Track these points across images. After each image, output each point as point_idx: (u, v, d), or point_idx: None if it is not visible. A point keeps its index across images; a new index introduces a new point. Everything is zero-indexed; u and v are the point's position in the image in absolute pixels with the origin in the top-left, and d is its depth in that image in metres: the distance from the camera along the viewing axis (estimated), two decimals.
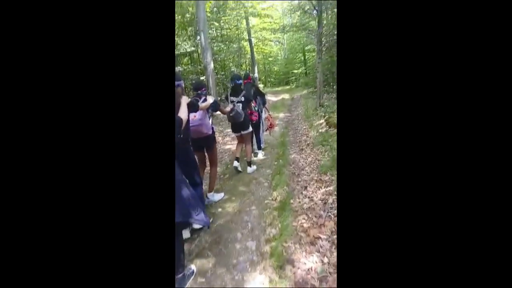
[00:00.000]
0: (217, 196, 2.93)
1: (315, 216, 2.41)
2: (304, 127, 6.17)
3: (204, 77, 8.75)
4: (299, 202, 2.74)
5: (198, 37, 8.89)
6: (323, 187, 2.95)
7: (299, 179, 3.31)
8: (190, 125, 2.28)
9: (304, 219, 2.42)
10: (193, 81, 9.88)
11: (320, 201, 2.64)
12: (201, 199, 2.18)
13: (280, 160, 4.08)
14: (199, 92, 2.60)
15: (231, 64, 14.75)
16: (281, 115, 8.54)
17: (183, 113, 1.77)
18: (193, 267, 1.88)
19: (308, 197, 2.80)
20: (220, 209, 2.77)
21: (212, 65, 9.87)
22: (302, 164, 3.81)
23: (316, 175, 3.30)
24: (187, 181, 1.84)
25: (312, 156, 4.08)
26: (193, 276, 1.82)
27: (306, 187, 3.05)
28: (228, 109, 3.11)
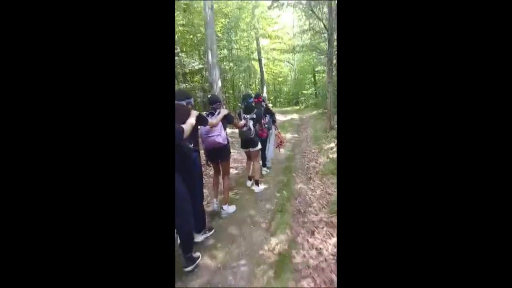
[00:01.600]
0: (231, 208, 2.93)
1: (324, 282, 1.73)
2: (313, 150, 5.54)
3: (210, 94, 8.39)
4: (304, 255, 2.07)
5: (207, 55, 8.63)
6: (335, 234, 2.27)
7: (305, 220, 2.65)
8: (207, 135, 2.52)
9: (308, 284, 1.74)
10: (203, 97, 9.78)
11: (332, 256, 1.97)
12: (197, 211, 2.19)
13: (284, 192, 3.44)
14: (213, 106, 2.69)
15: (240, 83, 14.53)
16: (289, 135, 7.95)
17: (187, 124, 1.87)
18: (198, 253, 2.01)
19: (316, 249, 2.14)
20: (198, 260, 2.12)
21: (219, 83, 9.58)
22: (310, 199, 3.15)
23: (326, 216, 2.63)
24: (187, 193, 1.88)
25: (321, 188, 3.43)
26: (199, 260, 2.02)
27: (313, 232, 2.37)
28: (241, 123, 3.18)
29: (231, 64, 11.94)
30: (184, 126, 1.83)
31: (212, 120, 2.40)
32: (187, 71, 10.34)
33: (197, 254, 2.10)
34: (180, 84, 10.09)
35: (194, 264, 1.97)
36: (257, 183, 3.47)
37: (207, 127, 2.42)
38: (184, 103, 2.15)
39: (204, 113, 2.52)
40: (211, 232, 2.47)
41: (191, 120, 1.95)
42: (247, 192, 3.53)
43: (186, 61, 9.93)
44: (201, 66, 9.97)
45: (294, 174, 4.19)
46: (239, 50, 13.34)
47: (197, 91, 10.52)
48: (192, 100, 2.22)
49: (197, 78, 11.47)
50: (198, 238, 2.34)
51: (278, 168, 4.60)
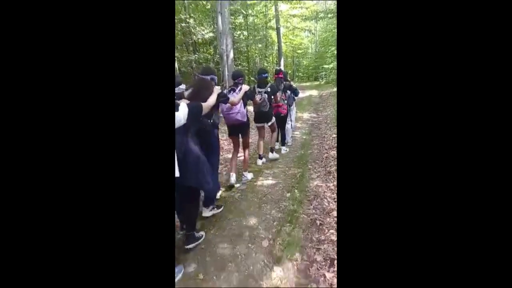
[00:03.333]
0: (249, 175, 3.10)
1: None
2: (333, 135, 4.69)
3: (220, 67, 7.52)
4: None
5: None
6: None
7: (322, 237, 1.96)
8: (227, 113, 2.62)
9: None
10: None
11: None
12: (214, 176, 2.25)
13: (295, 191, 2.74)
14: (236, 81, 2.70)
15: (256, 55, 13.34)
16: (305, 115, 7.07)
17: (210, 100, 1.90)
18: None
19: None
20: None
21: (232, 54, 8.62)
22: (329, 204, 2.43)
23: None
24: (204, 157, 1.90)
25: None
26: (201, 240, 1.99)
27: (333, 262, 1.69)
28: (257, 98, 3.13)
29: (246, 33, 10.73)
30: (204, 104, 1.84)
31: (233, 98, 2.46)
32: (198, 40, 9.39)
33: (201, 233, 2.06)
34: (189, 55, 9.23)
35: (197, 243, 1.95)
36: (272, 150, 3.66)
37: (228, 104, 2.42)
38: (208, 77, 2.21)
39: (225, 90, 2.52)
40: (220, 209, 2.41)
41: (212, 98, 1.95)
42: (250, 190, 2.87)
43: (196, 29, 8.96)
44: (212, 34, 8.94)
45: (309, 166, 3.45)
46: (255, 17, 12.00)
47: (209, 63, 9.62)
48: (216, 77, 2.30)
49: (211, 49, 10.47)
50: (206, 212, 2.32)
51: (290, 158, 3.86)
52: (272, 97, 3.35)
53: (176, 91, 1.82)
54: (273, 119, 3.52)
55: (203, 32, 8.83)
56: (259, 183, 3.04)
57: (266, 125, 3.49)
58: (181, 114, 1.62)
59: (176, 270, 1.66)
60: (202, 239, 1.99)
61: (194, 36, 8.92)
